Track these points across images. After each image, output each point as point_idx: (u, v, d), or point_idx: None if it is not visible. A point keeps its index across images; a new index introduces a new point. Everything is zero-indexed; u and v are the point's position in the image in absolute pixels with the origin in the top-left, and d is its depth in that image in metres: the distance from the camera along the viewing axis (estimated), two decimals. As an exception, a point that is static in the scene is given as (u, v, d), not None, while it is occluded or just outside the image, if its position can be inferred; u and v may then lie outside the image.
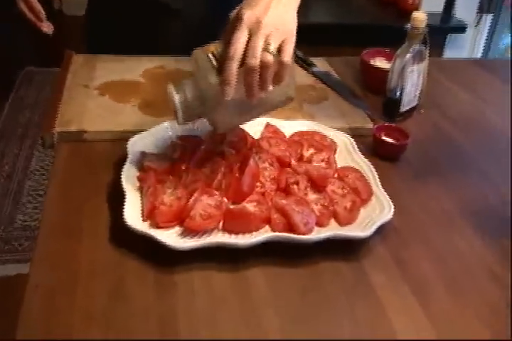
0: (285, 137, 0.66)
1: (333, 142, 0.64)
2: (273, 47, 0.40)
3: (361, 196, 0.55)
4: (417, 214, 0.55)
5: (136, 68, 0.74)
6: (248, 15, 0.39)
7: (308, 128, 0.67)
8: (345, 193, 0.55)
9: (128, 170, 0.55)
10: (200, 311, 0.40)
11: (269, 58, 0.40)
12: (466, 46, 1.42)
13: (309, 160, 0.60)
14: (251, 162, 0.56)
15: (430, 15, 0.65)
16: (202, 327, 0.40)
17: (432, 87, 0.71)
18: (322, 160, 0.60)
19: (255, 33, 0.39)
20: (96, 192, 0.54)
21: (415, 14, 0.64)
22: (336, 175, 0.59)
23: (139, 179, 0.55)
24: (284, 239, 0.48)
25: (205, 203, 0.51)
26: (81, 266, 0.43)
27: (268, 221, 0.51)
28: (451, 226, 0.52)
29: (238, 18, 0.40)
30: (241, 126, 0.64)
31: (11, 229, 1.10)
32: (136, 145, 0.59)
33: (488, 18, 1.42)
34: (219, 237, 0.48)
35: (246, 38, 0.40)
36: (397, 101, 0.67)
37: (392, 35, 0.69)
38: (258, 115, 0.56)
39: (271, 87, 0.46)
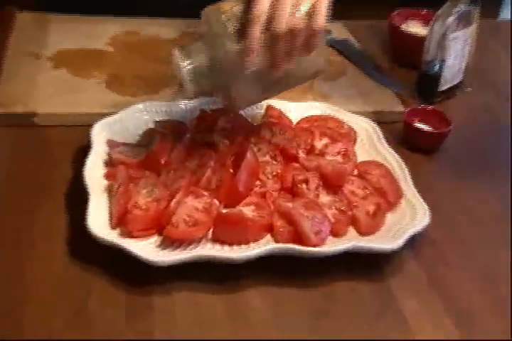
0: (291, 123, 0.67)
1: (351, 130, 0.65)
2: (304, 10, 0.41)
3: (387, 198, 0.56)
4: (458, 222, 0.56)
5: (102, 33, 0.73)
6: None
7: (321, 112, 0.67)
8: (368, 194, 0.56)
9: (92, 164, 0.55)
10: (184, 342, 0.42)
11: (299, 23, 0.40)
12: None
13: (322, 153, 0.61)
14: (248, 155, 0.57)
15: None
16: (186, 362, 0.41)
17: (482, 58, 0.70)
18: (338, 153, 0.61)
19: None
20: (51, 192, 0.55)
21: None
22: (355, 172, 0.60)
23: (107, 175, 0.55)
24: (290, 251, 0.49)
25: (190, 206, 0.52)
26: (31, 283, 0.44)
27: (270, 229, 0.52)
28: (501, 237, 0.53)
29: None
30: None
31: None
32: (102, 132, 0.60)
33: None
34: (208, 249, 0.49)
35: None
36: (436, 77, 0.67)
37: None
38: (282, 90, 0.56)
39: (299, 57, 0.47)
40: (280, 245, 0.50)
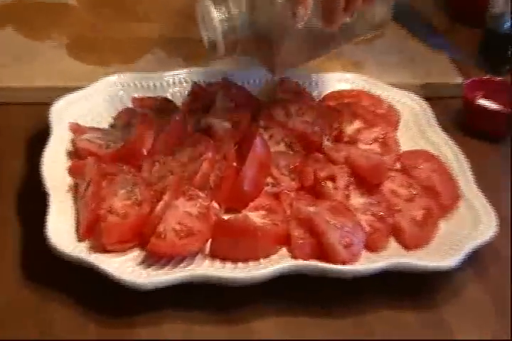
0: (313, 101, 0.67)
1: (393, 109, 0.65)
2: None
3: (441, 200, 0.56)
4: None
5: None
6: None
7: (352, 86, 0.67)
8: (414, 195, 0.56)
9: (51, 155, 0.56)
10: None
11: None
12: None
13: (353, 141, 0.61)
14: (257, 143, 0.57)
15: None
16: None
17: None
18: (375, 140, 0.61)
19: None
20: (-2, 191, 0.56)
21: None
22: (397, 165, 0.60)
23: (71, 171, 0.56)
24: (313, 270, 0.49)
25: (182, 211, 0.52)
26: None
27: (285, 241, 0.52)
28: None
29: None
30: (239, 83, 0.66)
31: None
32: (65, 113, 0.60)
33: None
34: (205, 268, 0.50)
35: None
36: (507, 38, 0.67)
37: None
38: (336, 47, 0.57)
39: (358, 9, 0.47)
40: (299, 262, 0.50)
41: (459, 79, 0.70)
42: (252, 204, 0.55)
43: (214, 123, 0.61)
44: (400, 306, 0.50)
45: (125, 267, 0.49)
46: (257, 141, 0.57)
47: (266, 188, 0.57)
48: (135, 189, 0.53)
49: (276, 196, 0.56)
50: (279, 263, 0.49)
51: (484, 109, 0.66)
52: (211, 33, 0.51)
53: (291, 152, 0.59)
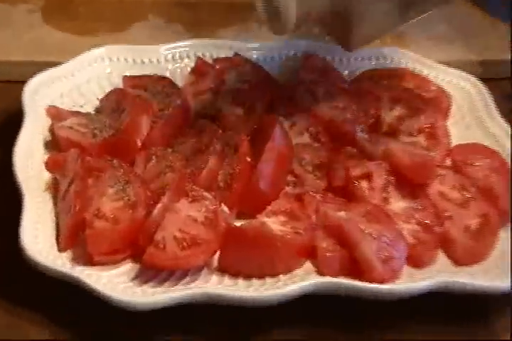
0: (344, 82, 0.68)
1: (443, 93, 0.65)
2: None
3: (501, 205, 0.57)
4: None
5: None
6: None
7: (393, 64, 0.68)
8: (468, 199, 0.57)
9: (26, 145, 0.57)
10: None
11: None
12: None
13: (394, 131, 0.62)
14: (276, 133, 0.58)
15: None
16: None
17: None
18: (420, 131, 0.62)
19: None
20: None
21: None
22: (448, 162, 0.61)
23: (50, 165, 0.57)
24: (343, 289, 0.50)
25: (184, 216, 0.53)
26: None
27: (310, 253, 0.53)
28: None
29: None
30: (255, 60, 0.66)
31: None
32: (41, 94, 0.61)
33: None
34: (213, 285, 0.51)
35: None
36: None
37: None
38: (418, 15, 0.57)
39: None
40: (327, 279, 0.51)
41: (525, 56, 0.70)
42: (269, 208, 0.56)
43: (223, 108, 0.62)
44: (451, 334, 0.51)
45: (116, 283, 0.50)
46: (276, 130, 0.58)
47: (286, 189, 0.57)
48: (127, 188, 0.54)
49: (299, 198, 0.57)
50: (303, 280, 0.50)
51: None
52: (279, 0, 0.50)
53: (317, 144, 0.60)
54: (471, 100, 0.65)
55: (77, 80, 0.63)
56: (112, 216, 0.52)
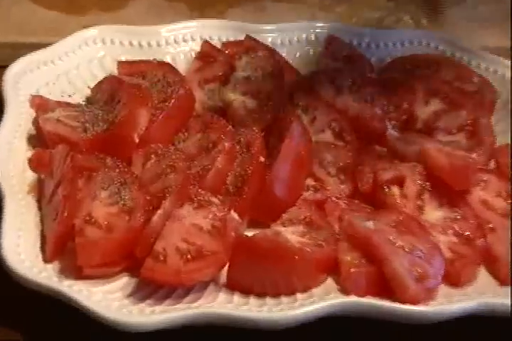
0: (372, 71, 0.68)
1: (486, 84, 0.66)
2: None
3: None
4: None
5: None
6: None
7: (429, 51, 0.68)
8: (515, 209, 0.57)
9: (7, 140, 0.57)
10: None
11: None
12: None
13: (430, 128, 0.63)
14: (293, 129, 0.58)
15: None
16: None
17: None
18: (460, 129, 0.62)
19: None
20: None
21: None
22: (492, 165, 0.61)
23: (34, 163, 0.57)
24: (370, 311, 0.50)
25: (188, 224, 0.53)
26: None
27: (333, 268, 0.53)
28: None
29: None
30: (270, 44, 0.67)
31: None
32: (24, 81, 0.62)
33: None
34: (220, 304, 0.52)
35: None
36: None
37: None
38: None
39: None
40: (351, 299, 0.51)
41: None
42: (286, 215, 0.56)
43: (233, 99, 0.62)
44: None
45: (109, 300, 0.50)
46: (294, 126, 0.58)
47: (305, 194, 0.58)
48: (123, 191, 0.55)
49: (320, 205, 0.57)
50: (324, 299, 0.51)
51: None
52: None
53: (340, 143, 0.61)
54: (519, 94, 0.66)
55: (65, 65, 0.64)
56: (105, 223, 0.53)
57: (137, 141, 0.59)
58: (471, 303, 0.51)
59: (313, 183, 0.59)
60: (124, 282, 0.52)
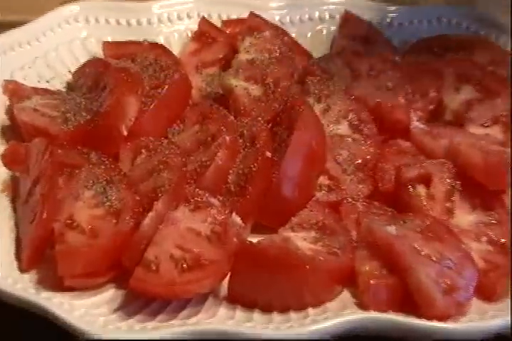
0: (395, 53, 0.69)
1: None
2: None
3: None
4: None
5: None
6: None
7: (459, 30, 0.69)
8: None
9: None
10: None
11: None
12: None
13: (461, 119, 0.63)
14: (304, 119, 0.58)
15: None
16: None
17: None
18: (496, 121, 0.63)
19: None
20: None
21: None
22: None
23: (8, 159, 0.58)
24: (393, 328, 0.50)
25: (184, 229, 0.53)
26: None
27: (349, 279, 0.53)
28: None
29: None
30: (278, 23, 0.67)
31: None
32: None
33: None
34: (220, 319, 0.52)
35: None
36: None
37: None
38: None
39: None
40: (371, 314, 0.51)
41: None
42: (295, 219, 0.56)
43: (235, 86, 0.62)
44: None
45: (94, 315, 0.50)
46: (305, 117, 0.59)
47: (317, 195, 0.58)
48: (109, 190, 0.55)
49: (335, 207, 0.57)
50: (339, 315, 0.51)
51: None
52: None
53: (358, 136, 0.61)
54: None
55: (43, 47, 0.64)
56: (89, 227, 0.53)
57: (125, 133, 0.59)
58: (508, 320, 0.51)
59: (327, 182, 0.59)
60: (110, 294, 0.53)
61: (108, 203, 0.54)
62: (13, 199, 0.56)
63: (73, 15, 0.65)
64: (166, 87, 0.61)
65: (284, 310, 0.52)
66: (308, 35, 0.69)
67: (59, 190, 0.55)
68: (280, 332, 0.50)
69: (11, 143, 0.59)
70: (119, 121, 0.59)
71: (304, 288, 0.53)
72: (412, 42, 0.69)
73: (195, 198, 0.55)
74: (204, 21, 0.67)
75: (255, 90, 0.63)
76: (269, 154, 0.58)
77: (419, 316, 0.51)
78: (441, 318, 0.51)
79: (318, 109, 0.62)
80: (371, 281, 0.53)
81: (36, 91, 0.62)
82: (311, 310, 0.52)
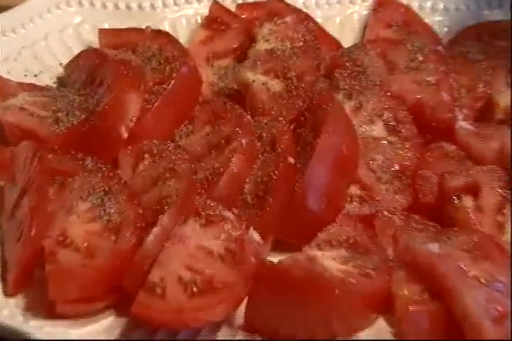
0: (438, 42, 0.69)
1: None
2: None
3: None
4: None
5: None
6: None
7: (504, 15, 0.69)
8: None
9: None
10: None
11: None
12: None
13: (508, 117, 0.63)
14: (333, 119, 0.58)
15: None
16: None
17: None
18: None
19: None
20: None
21: None
22: None
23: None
24: None
25: (193, 246, 0.53)
26: None
27: (385, 305, 0.54)
28: None
29: None
30: (301, 7, 0.68)
31: None
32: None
33: None
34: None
35: None
36: None
37: None
38: None
39: None
40: None
41: None
42: (322, 235, 0.56)
43: (252, 80, 0.63)
44: None
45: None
46: (332, 116, 0.59)
47: (348, 207, 0.58)
48: (107, 202, 0.55)
49: (368, 222, 0.58)
50: (374, 347, 0.51)
51: None
52: None
53: (395, 139, 0.61)
54: None
55: (30, 35, 0.65)
56: (84, 244, 0.53)
57: (126, 135, 0.59)
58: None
59: (359, 192, 0.59)
60: (109, 322, 0.53)
61: (106, 217, 0.54)
62: (-1, 213, 0.56)
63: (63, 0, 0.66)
64: (172, 81, 0.61)
65: (309, 339, 0.52)
66: (337, 20, 0.69)
67: (50, 202, 0.55)
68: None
69: (-3, 146, 0.59)
70: (118, 122, 0.59)
71: (332, 315, 0.53)
72: (459, 31, 0.69)
73: (207, 211, 0.55)
74: (216, 5, 0.67)
75: (275, 85, 0.63)
76: (291, 160, 0.58)
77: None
78: (493, 350, 0.51)
79: (348, 107, 0.62)
80: (410, 307, 0.53)
81: (22, 87, 0.62)
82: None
